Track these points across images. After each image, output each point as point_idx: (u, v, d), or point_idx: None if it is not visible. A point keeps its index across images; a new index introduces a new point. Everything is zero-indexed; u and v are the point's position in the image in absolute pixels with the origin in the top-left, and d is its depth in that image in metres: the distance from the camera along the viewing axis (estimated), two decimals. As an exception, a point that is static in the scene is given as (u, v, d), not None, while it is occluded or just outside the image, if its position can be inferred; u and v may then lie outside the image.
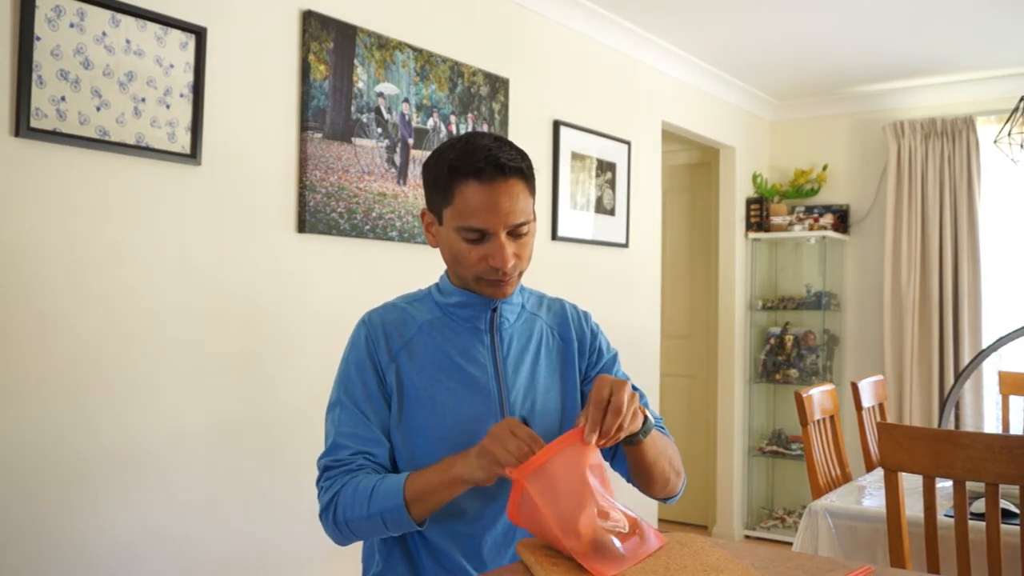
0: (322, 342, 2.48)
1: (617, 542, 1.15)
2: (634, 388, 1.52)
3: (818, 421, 2.77)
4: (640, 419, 1.29)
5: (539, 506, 1.13)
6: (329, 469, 1.37)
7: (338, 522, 1.33)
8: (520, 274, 1.40)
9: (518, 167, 1.33)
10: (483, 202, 1.31)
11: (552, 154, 3.42)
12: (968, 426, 4.37)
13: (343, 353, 1.45)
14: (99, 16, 1.97)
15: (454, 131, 2.90)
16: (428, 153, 2.78)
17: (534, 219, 1.40)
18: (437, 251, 1.43)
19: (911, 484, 2.33)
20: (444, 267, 1.46)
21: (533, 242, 1.40)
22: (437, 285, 1.47)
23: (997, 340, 2.79)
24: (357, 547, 1.50)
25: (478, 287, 1.39)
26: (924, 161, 4.64)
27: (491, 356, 1.42)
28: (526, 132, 3.26)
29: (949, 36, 3.87)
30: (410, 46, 2.75)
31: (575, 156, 3.54)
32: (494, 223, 1.32)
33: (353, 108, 2.56)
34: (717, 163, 4.95)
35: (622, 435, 1.24)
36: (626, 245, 3.88)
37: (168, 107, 2.10)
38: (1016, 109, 3.58)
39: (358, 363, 1.41)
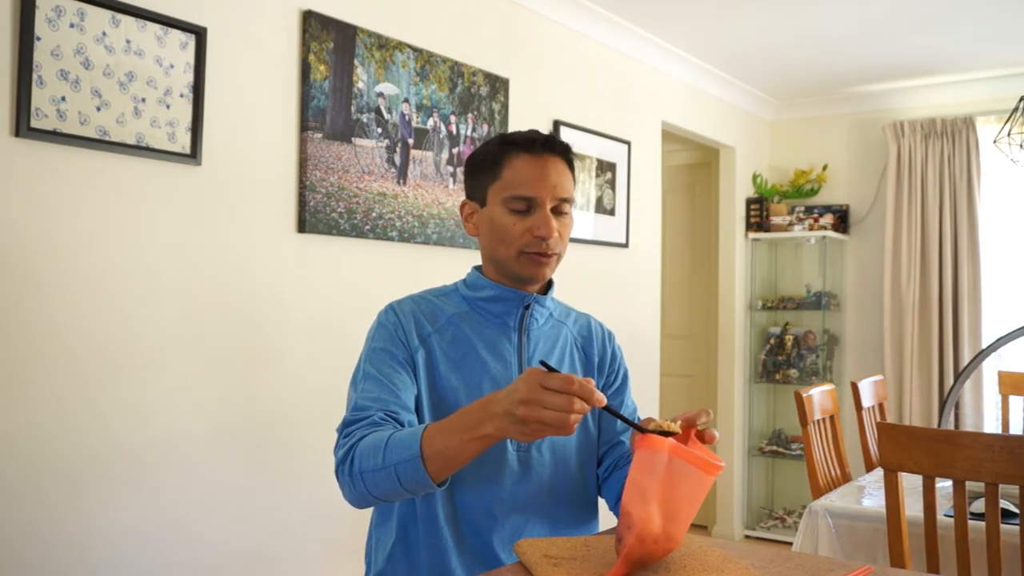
0: (322, 342, 2.48)
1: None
2: (626, 403, 1.59)
3: (818, 421, 2.77)
4: None
5: (656, 481, 1.08)
6: (348, 425, 1.30)
7: (353, 474, 1.23)
8: (558, 259, 1.43)
9: (565, 147, 1.44)
10: (533, 172, 1.39)
11: (552, 154, 3.41)
12: (968, 426, 4.37)
13: (368, 335, 1.43)
14: (99, 16, 1.97)
15: (454, 131, 2.90)
16: (428, 153, 2.79)
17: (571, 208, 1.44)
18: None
19: (911, 484, 2.33)
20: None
21: (571, 228, 1.45)
22: (464, 281, 1.48)
23: (997, 340, 2.79)
24: (358, 546, 1.50)
25: (519, 265, 1.40)
26: (924, 161, 4.63)
27: (516, 354, 1.43)
28: (526, 132, 3.25)
29: (949, 36, 3.87)
30: (410, 46, 2.75)
31: (575, 156, 3.52)
32: (542, 192, 1.38)
33: (353, 108, 2.56)
34: (717, 163, 4.95)
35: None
36: (626, 245, 3.88)
37: (168, 107, 2.10)
38: (1016, 109, 3.58)
39: (388, 340, 1.38)
